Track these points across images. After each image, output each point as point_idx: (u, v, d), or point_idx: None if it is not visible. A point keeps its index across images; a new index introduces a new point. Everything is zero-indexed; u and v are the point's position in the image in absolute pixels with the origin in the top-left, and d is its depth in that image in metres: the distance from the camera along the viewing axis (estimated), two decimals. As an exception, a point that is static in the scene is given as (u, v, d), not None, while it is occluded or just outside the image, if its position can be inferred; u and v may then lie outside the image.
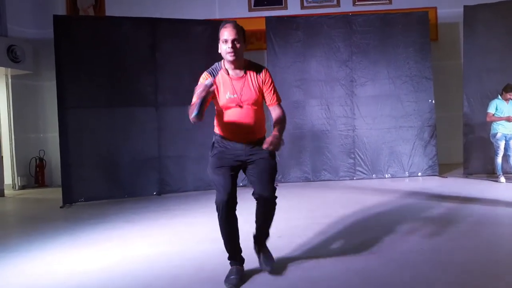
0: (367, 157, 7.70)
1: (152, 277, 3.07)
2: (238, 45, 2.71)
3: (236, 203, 2.79)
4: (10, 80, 8.68)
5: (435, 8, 8.94)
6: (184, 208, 5.71)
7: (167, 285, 2.92)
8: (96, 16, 8.96)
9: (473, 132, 7.50)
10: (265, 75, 2.86)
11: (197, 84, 2.74)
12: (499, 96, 6.79)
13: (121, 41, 6.84)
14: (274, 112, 2.87)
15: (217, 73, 2.83)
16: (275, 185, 2.88)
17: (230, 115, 2.81)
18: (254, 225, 3.00)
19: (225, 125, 2.84)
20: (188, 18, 7.50)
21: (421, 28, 7.73)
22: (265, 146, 2.58)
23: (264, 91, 2.86)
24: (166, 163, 6.98)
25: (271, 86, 2.87)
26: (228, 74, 2.80)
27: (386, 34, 7.74)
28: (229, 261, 2.95)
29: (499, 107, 6.71)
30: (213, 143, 2.92)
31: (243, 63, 2.83)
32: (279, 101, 2.90)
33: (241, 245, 2.96)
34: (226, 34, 2.71)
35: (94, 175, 6.59)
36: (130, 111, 6.81)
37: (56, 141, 6.89)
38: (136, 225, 4.84)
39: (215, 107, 2.91)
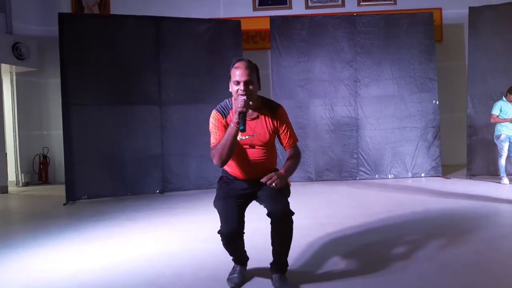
0: (370, 157, 7.70)
1: (154, 275, 3.08)
2: (251, 87, 2.54)
3: (242, 233, 2.68)
4: (14, 77, 8.70)
5: (440, 9, 8.93)
6: (186, 206, 5.72)
7: (169, 283, 2.92)
8: (101, 14, 8.97)
9: (477, 133, 7.48)
10: (280, 117, 2.69)
11: (207, 120, 2.64)
12: (504, 98, 6.76)
13: (126, 39, 6.85)
14: (289, 152, 2.78)
15: (228, 112, 2.65)
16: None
17: (241, 156, 2.68)
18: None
19: (235, 165, 2.72)
20: (192, 17, 7.51)
21: (425, 29, 7.71)
22: (264, 179, 2.48)
23: (279, 132, 2.71)
24: (169, 161, 6.99)
25: (287, 127, 2.71)
26: None
27: (390, 35, 7.72)
28: (232, 260, 2.93)
29: (503, 108, 6.68)
30: (221, 177, 2.83)
31: (256, 103, 2.64)
32: (295, 143, 2.77)
33: (245, 242, 2.92)
34: (238, 75, 2.52)
35: (97, 172, 6.62)
36: (133, 109, 6.83)
37: (60, 139, 6.92)
38: (138, 223, 4.85)
39: None
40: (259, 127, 2.66)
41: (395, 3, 9.06)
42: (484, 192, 5.91)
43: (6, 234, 4.67)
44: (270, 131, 2.68)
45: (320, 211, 5.09)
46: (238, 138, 2.59)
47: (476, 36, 7.49)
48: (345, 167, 7.71)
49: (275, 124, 2.68)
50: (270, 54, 7.87)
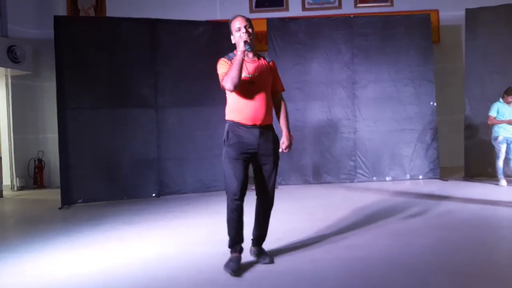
0: (368, 159, 7.67)
1: (150, 278, 3.05)
2: (250, 30, 3.06)
3: (245, 193, 3.04)
4: (10, 80, 8.65)
5: (437, 10, 8.92)
6: (183, 210, 5.68)
7: (165, 286, 2.89)
8: (97, 17, 8.95)
9: (475, 135, 7.48)
10: (273, 65, 3.25)
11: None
12: (501, 99, 6.77)
13: (122, 42, 6.81)
14: (278, 100, 3.27)
15: (233, 58, 3.08)
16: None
17: (246, 94, 3.04)
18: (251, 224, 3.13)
19: (241, 106, 3.05)
20: (188, 19, 7.48)
21: (423, 30, 7.70)
22: (284, 150, 3.17)
23: (273, 76, 3.21)
24: (165, 165, 6.94)
25: (278, 75, 3.27)
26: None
27: (387, 36, 7.70)
28: (229, 249, 3.10)
29: (501, 110, 6.69)
30: (227, 132, 3.08)
31: (255, 52, 3.17)
32: (283, 90, 3.30)
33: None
34: (238, 23, 3.07)
35: (93, 176, 6.56)
36: (129, 112, 6.78)
37: (55, 142, 6.86)
38: (135, 226, 4.81)
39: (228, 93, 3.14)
40: (259, 67, 3.12)
41: (392, 5, 9.07)
42: (482, 194, 5.90)
43: (1, 238, 4.63)
44: (269, 72, 3.17)
45: (317, 214, 5.04)
46: (242, 75, 2.98)
47: (473, 38, 7.50)
48: (343, 169, 7.68)
49: (270, 69, 3.20)
50: (267, 56, 7.84)
